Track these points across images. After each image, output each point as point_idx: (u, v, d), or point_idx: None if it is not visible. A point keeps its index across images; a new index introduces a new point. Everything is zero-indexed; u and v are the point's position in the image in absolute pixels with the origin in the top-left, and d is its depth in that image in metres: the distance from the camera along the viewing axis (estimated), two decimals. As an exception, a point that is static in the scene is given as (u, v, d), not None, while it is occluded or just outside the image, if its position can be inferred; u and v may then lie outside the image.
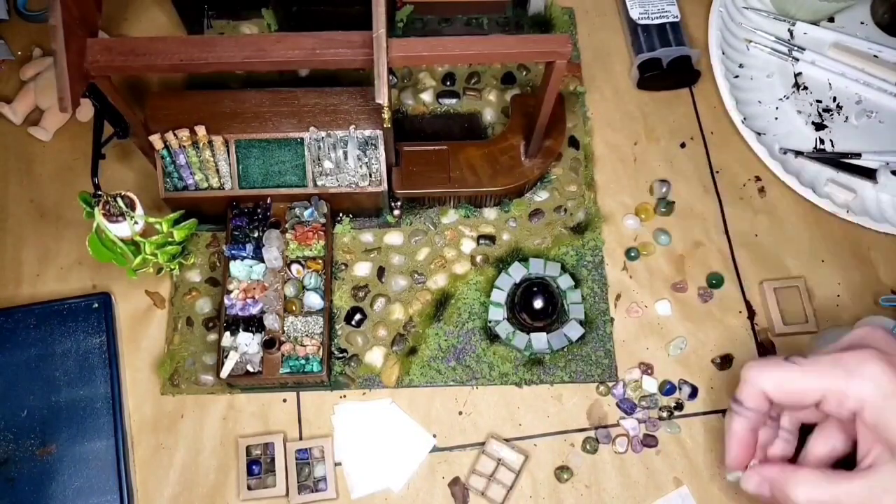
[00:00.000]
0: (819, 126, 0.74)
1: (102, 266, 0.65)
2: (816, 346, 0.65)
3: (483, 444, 0.62)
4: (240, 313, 0.61)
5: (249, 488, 0.60)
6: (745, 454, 0.46)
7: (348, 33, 0.52)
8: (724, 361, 0.66)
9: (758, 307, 0.68)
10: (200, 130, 0.60)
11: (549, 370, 0.65)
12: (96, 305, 0.64)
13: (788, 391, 0.42)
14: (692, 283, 0.68)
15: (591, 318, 0.66)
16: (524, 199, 0.70)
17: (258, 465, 0.60)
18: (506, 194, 0.68)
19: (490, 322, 0.65)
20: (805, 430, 0.48)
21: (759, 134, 0.72)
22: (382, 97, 0.50)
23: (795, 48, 0.77)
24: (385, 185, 0.63)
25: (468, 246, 0.69)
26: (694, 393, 0.64)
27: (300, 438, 0.62)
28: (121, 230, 0.57)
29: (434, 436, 0.62)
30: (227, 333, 0.60)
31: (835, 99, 0.76)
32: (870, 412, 0.38)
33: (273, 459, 0.60)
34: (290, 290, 0.62)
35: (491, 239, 0.69)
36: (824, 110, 0.75)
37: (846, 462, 0.45)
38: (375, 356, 0.64)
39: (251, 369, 0.59)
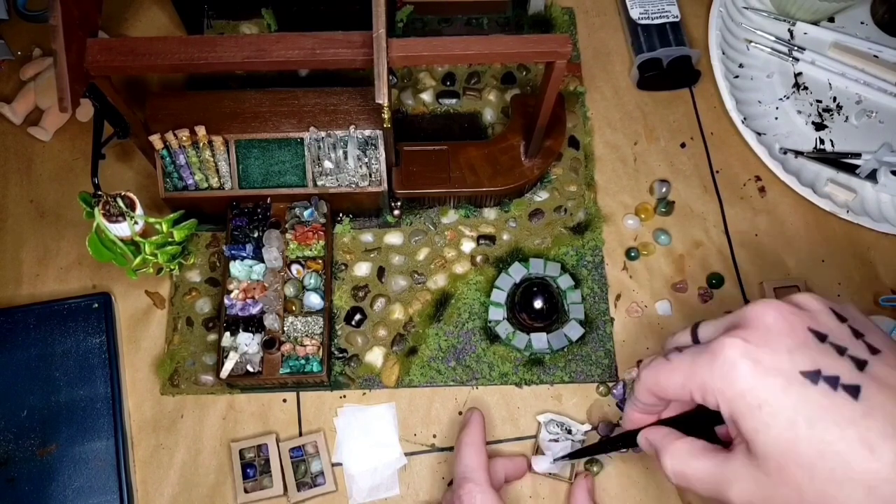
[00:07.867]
0: (819, 126, 0.74)
1: (102, 266, 0.66)
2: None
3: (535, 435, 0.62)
4: (240, 313, 0.61)
5: (246, 491, 0.59)
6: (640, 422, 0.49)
7: (348, 33, 0.52)
8: (724, 361, 0.66)
9: (758, 307, 0.68)
10: (200, 130, 0.60)
11: (549, 370, 0.65)
12: (96, 305, 0.64)
13: (663, 390, 0.43)
14: (692, 283, 0.68)
15: (591, 318, 0.66)
16: (524, 199, 0.70)
17: (253, 468, 0.60)
18: (506, 194, 0.68)
19: (490, 322, 0.65)
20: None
21: (759, 134, 0.72)
22: (382, 97, 0.50)
23: (795, 48, 0.77)
24: (385, 185, 0.63)
25: (468, 246, 0.69)
26: (694, 393, 0.64)
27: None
28: (121, 230, 0.57)
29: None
30: (227, 333, 0.60)
31: (835, 99, 0.76)
32: (724, 408, 0.39)
33: (267, 461, 0.60)
34: (290, 290, 0.62)
35: (491, 239, 0.69)
36: (824, 110, 0.75)
37: None
38: (375, 356, 0.64)
39: (251, 369, 0.60)
